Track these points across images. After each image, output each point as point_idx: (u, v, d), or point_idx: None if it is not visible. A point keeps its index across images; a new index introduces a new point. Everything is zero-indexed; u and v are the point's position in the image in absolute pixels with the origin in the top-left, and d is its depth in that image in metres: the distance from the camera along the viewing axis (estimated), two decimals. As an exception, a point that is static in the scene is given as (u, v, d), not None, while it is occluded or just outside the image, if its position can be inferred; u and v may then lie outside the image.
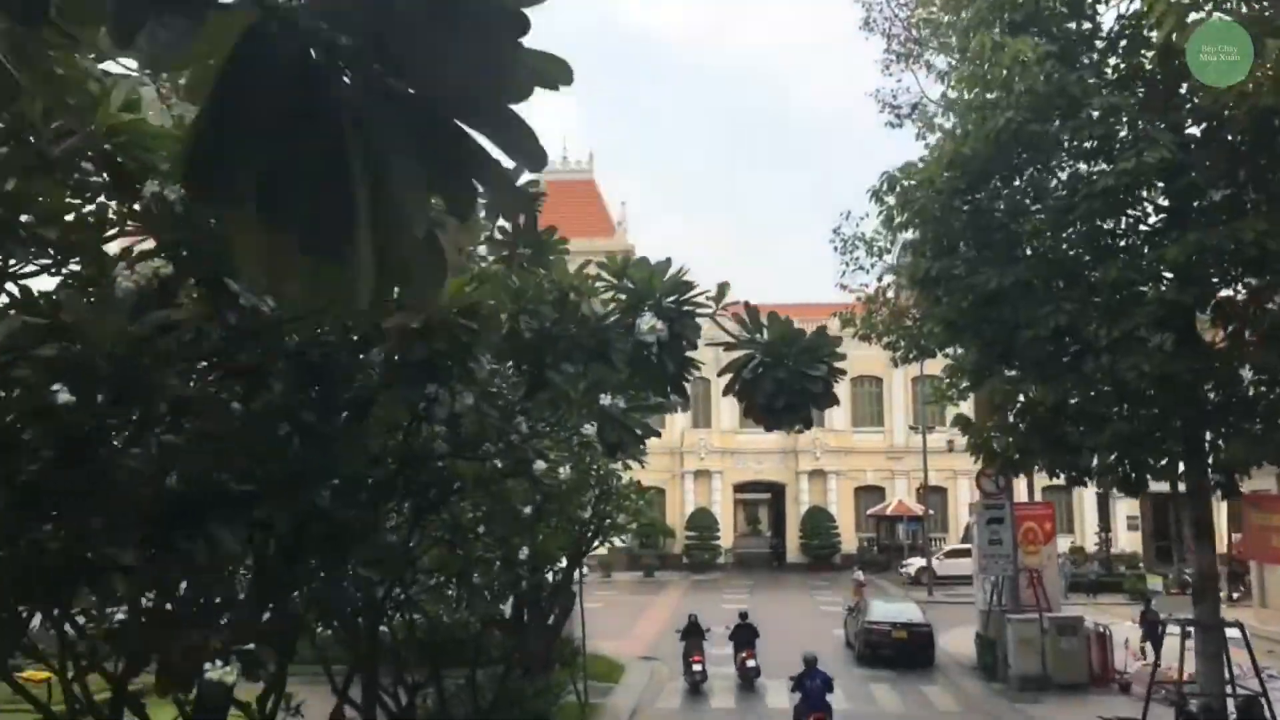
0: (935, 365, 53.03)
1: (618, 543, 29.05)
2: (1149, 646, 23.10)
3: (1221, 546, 59.71)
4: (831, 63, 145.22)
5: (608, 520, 16.25)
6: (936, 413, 55.82)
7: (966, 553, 48.01)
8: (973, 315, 14.77)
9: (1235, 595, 38.13)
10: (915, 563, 48.98)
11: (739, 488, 59.39)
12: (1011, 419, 15.83)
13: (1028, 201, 14.85)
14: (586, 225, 59.06)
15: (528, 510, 10.52)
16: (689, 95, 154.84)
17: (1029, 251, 14.53)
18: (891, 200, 16.40)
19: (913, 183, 15.48)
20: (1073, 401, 14.14)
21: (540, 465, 7.45)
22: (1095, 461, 14.25)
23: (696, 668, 23.04)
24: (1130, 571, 41.82)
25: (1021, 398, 15.36)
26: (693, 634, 23.69)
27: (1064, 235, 14.34)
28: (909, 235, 17.10)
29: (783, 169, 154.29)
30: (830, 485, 57.24)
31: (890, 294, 25.47)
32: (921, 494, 48.59)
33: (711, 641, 24.17)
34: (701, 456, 57.34)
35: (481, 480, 7.21)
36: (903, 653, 25.62)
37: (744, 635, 23.56)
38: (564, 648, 23.33)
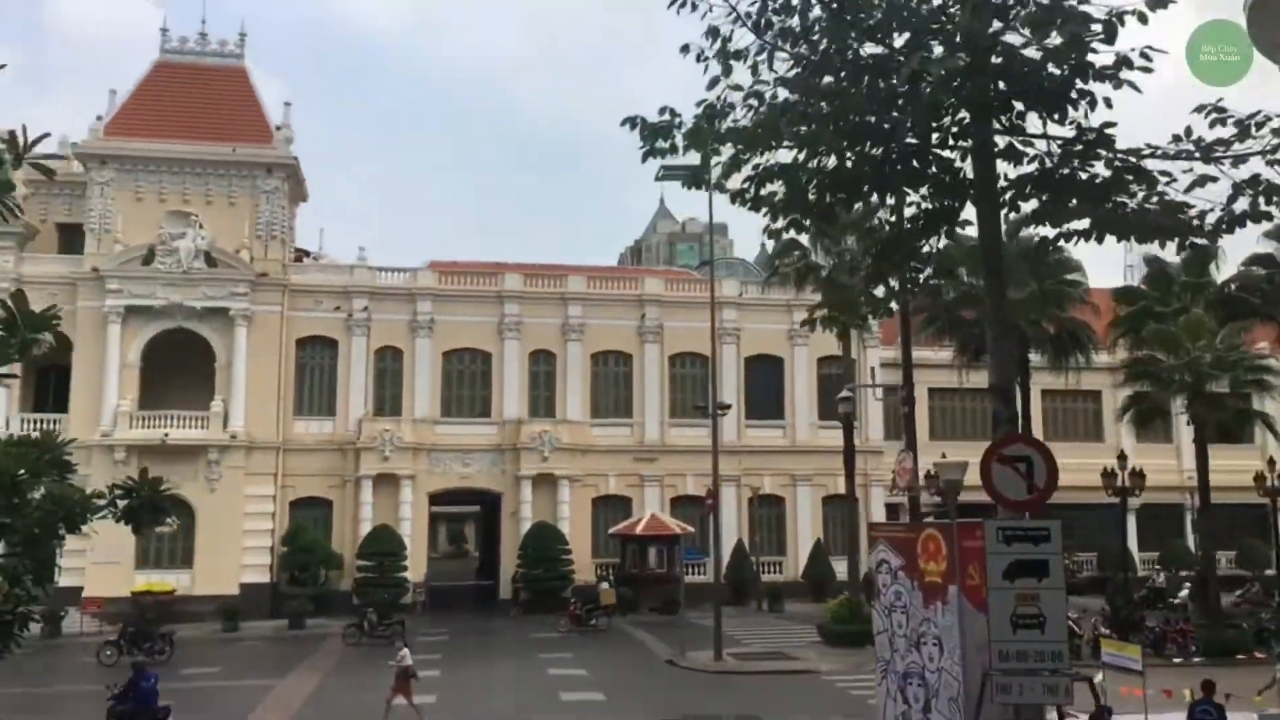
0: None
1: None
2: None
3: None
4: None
5: None
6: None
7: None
8: None
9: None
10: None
11: (438, 498, 43.59)
12: None
13: None
14: (230, 125, 41.52)
15: None
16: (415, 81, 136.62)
17: None
18: None
19: None
20: None
21: None
22: None
23: None
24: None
25: None
26: None
27: None
28: None
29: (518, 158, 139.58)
30: (562, 495, 42.63)
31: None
32: (708, 505, 34.60)
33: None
34: (386, 455, 41.07)
35: None
36: None
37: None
38: None
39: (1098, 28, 9.65)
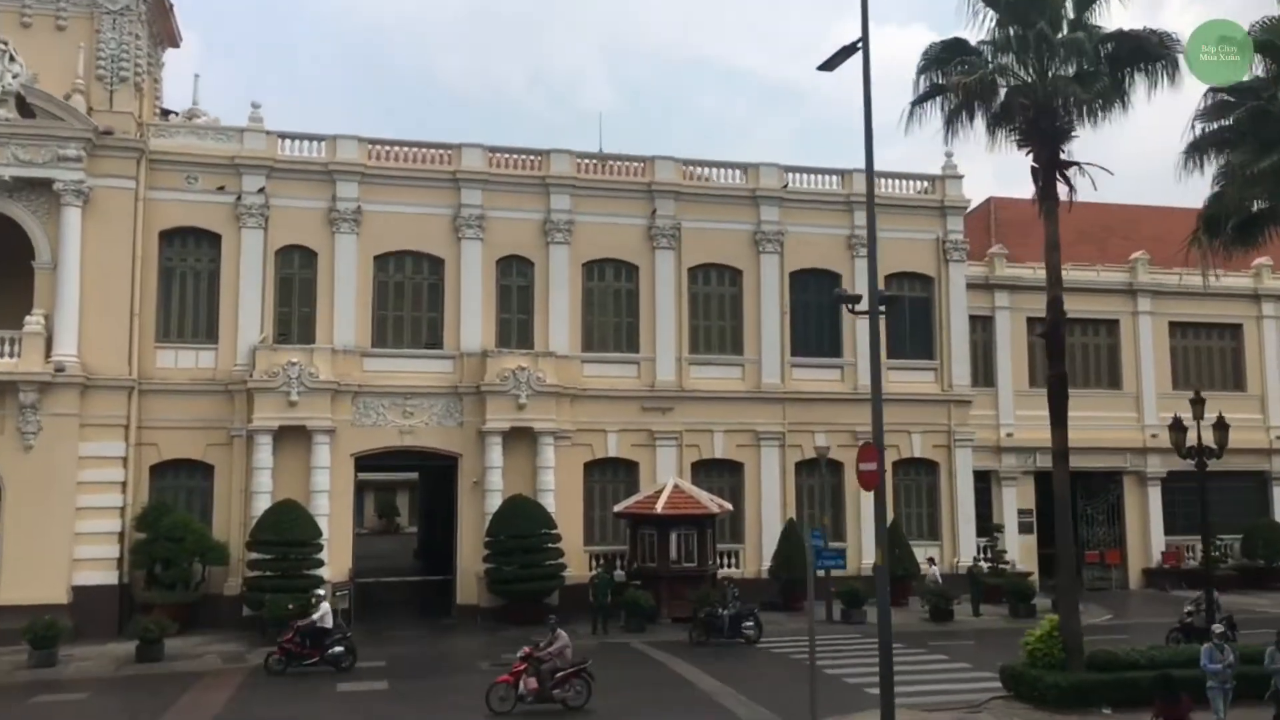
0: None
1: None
2: None
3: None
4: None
5: None
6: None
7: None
8: None
9: None
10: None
11: (366, 462, 30.86)
12: None
13: None
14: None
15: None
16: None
17: None
18: None
19: None
20: None
21: None
22: None
23: None
24: None
25: None
26: None
27: None
28: None
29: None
30: (544, 457, 30.30)
31: None
32: (866, 474, 21.38)
33: None
34: (292, 399, 28.33)
35: None
36: None
37: None
38: None
39: None
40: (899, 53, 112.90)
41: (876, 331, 16.24)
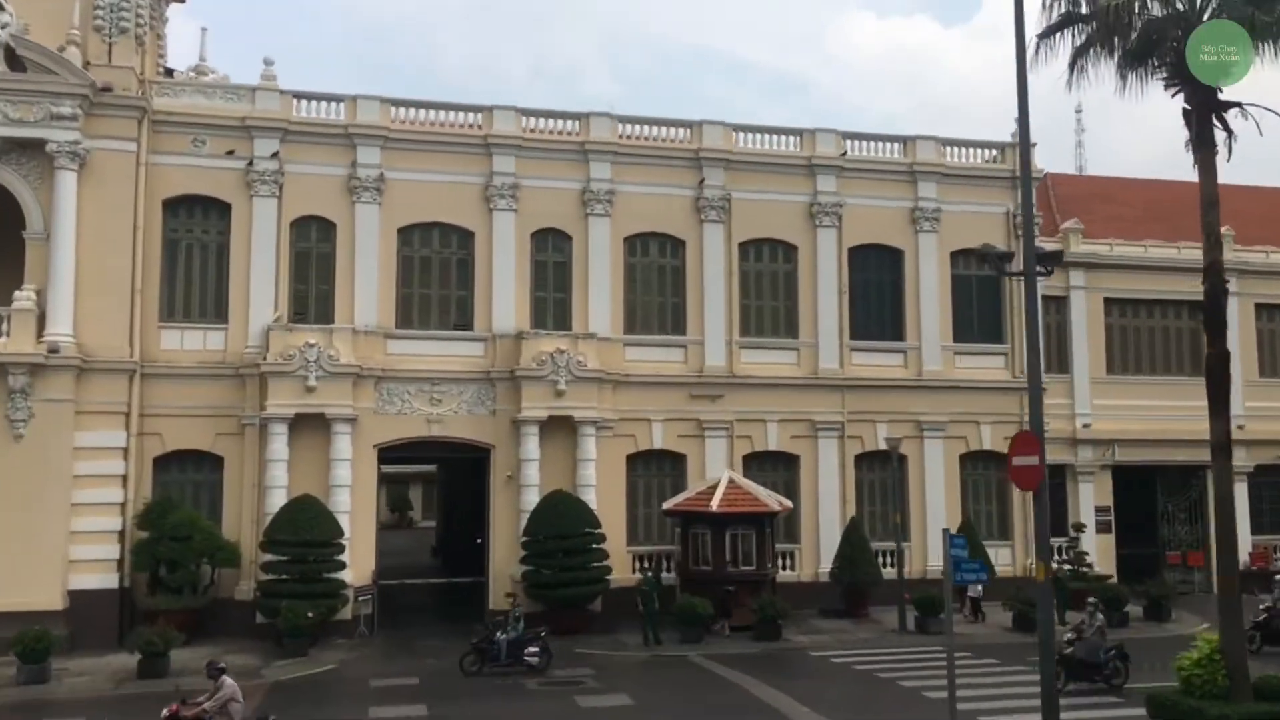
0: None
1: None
2: None
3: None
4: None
5: None
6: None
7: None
8: None
9: None
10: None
11: (391, 453, 28.17)
12: None
13: None
14: None
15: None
16: None
17: None
18: None
19: None
20: None
21: None
22: None
23: None
24: None
25: None
26: None
27: None
28: None
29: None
30: (585, 449, 27.60)
31: None
32: (1027, 471, 16.86)
33: None
34: (310, 383, 25.63)
35: None
36: None
37: None
38: None
39: None
40: (898, 49, 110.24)
41: (1034, 300, 13.53)
